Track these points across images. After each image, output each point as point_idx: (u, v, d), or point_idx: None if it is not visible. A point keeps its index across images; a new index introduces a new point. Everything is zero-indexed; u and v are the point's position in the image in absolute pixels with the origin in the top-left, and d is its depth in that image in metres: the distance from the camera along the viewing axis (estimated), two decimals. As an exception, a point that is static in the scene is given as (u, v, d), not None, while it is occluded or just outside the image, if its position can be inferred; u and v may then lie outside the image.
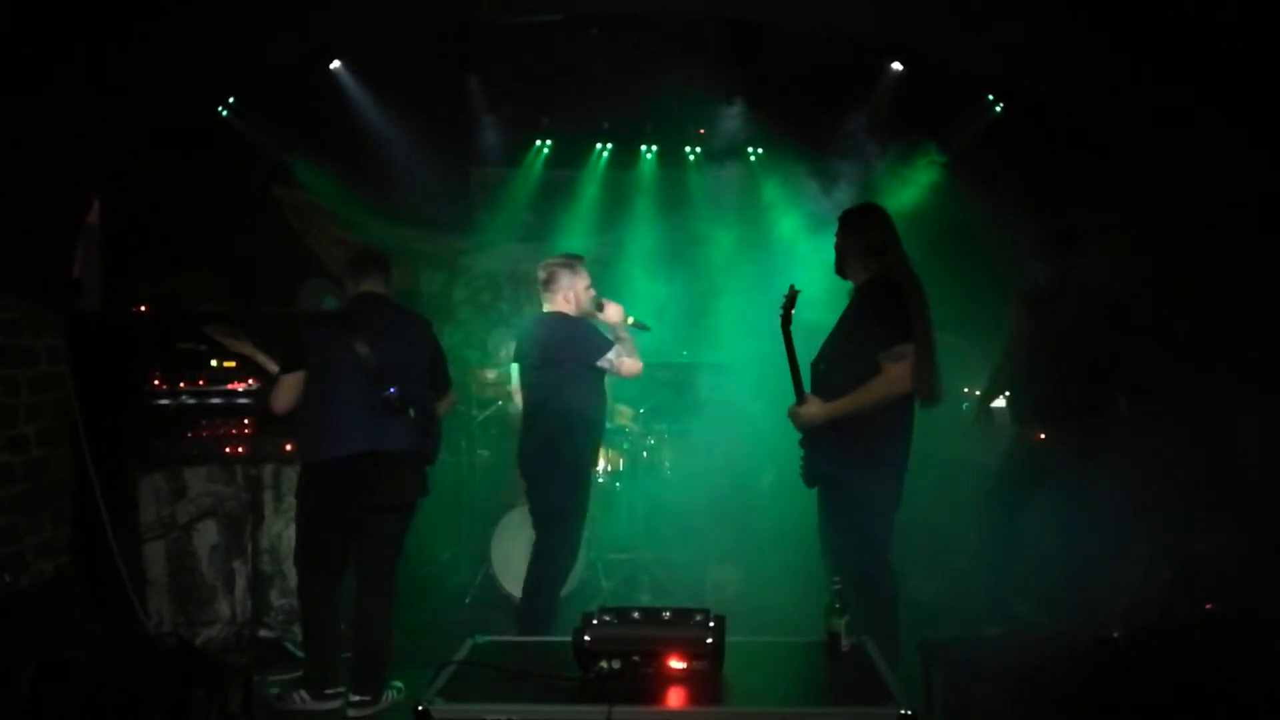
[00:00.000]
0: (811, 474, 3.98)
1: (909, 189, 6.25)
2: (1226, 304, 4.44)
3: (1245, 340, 4.33)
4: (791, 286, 4.05)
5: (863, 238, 3.88)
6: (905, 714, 2.44)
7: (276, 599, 4.85)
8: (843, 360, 3.84)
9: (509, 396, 6.31)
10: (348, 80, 5.56)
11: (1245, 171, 4.24)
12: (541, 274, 4.35)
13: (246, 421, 4.88)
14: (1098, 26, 4.15)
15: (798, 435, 4.16)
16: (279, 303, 6.05)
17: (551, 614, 4.26)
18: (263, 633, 4.78)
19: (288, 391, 4.05)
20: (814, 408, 3.80)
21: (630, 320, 4.37)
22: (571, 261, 4.36)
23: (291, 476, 4.96)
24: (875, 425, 3.73)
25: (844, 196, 6.22)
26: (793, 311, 3.97)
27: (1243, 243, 4.39)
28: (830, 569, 3.92)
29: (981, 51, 4.96)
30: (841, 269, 3.98)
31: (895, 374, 3.66)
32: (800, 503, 4.38)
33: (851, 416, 3.72)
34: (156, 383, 4.90)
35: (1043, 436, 4.61)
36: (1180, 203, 4.65)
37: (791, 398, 4.04)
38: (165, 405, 4.89)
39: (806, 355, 4.11)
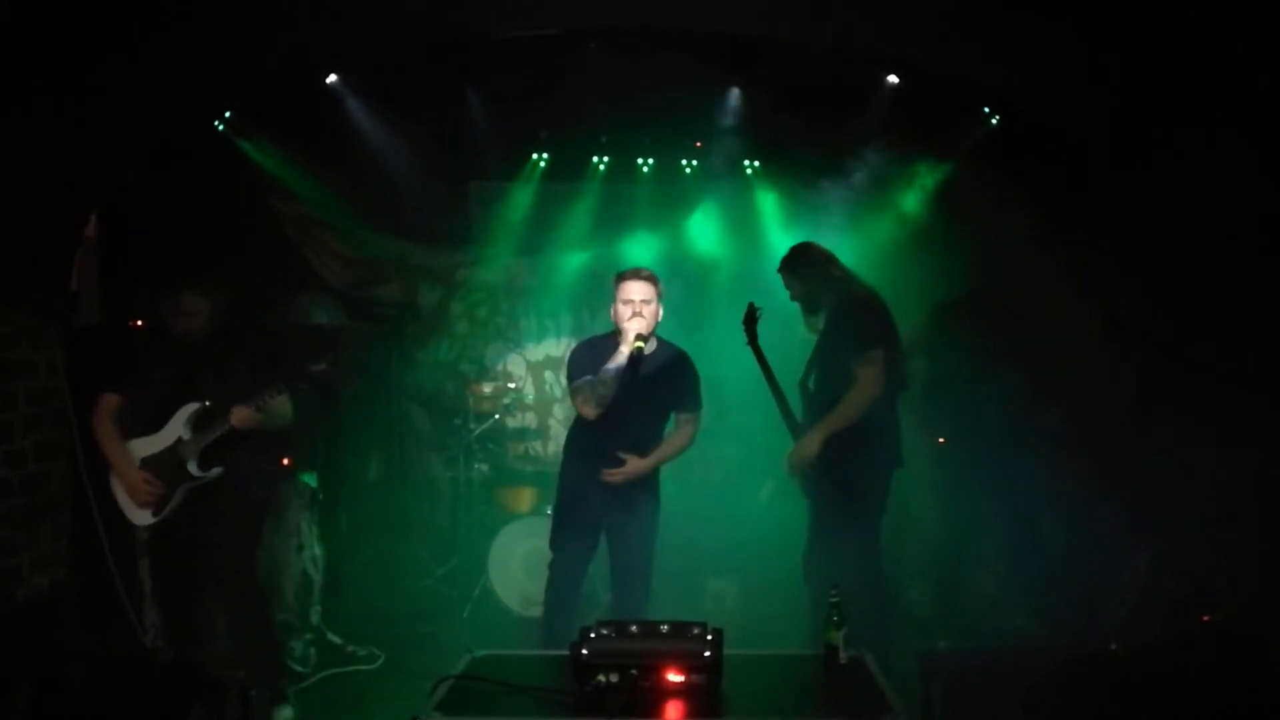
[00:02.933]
0: (813, 485, 4.07)
1: (904, 201, 6.26)
2: (1225, 315, 4.44)
3: (1242, 351, 4.34)
4: (751, 304, 4.17)
5: (817, 272, 4.18)
6: (903, 726, 2.45)
7: (274, 614, 4.83)
8: (826, 378, 4.08)
9: (505, 410, 6.34)
10: (345, 94, 5.57)
11: (1247, 185, 4.25)
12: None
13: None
14: (1095, 38, 4.17)
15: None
16: (275, 315, 6.06)
17: None
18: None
19: None
20: (809, 443, 3.98)
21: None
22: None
23: (289, 491, 4.96)
24: (866, 428, 3.93)
25: (840, 208, 6.25)
26: (756, 327, 4.12)
27: (1238, 254, 4.40)
28: (813, 592, 4.02)
29: (978, 64, 4.98)
30: (811, 307, 4.24)
31: (868, 377, 3.92)
32: (798, 515, 4.40)
33: (841, 429, 3.91)
34: (154, 396, 4.89)
35: (941, 441, 4.78)
36: (1177, 215, 4.66)
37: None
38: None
39: (795, 371, 4.19)
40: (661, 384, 4.07)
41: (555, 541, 4.26)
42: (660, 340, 4.16)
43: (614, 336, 4.07)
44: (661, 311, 4.09)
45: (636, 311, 3.97)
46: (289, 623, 4.82)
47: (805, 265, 4.22)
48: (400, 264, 6.86)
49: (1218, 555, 4.19)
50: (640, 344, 3.92)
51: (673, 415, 4.21)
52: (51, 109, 4.04)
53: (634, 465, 4.07)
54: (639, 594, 4.21)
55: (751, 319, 4.26)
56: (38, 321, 4.54)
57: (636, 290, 3.99)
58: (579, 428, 4.20)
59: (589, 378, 3.99)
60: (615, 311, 4.05)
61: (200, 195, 5.39)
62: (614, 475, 4.05)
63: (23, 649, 3.63)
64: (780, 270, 4.29)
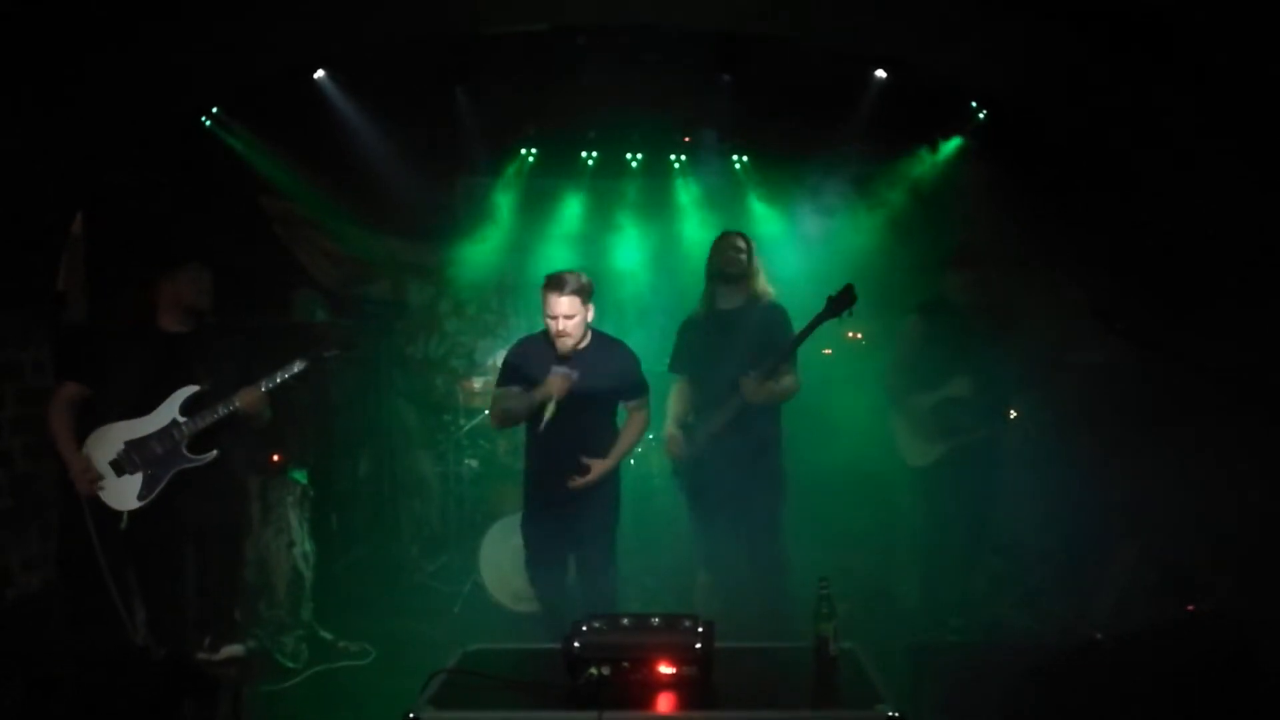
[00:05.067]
0: (705, 484, 4.37)
1: (891, 196, 6.29)
2: (1213, 312, 4.47)
3: (1230, 348, 4.37)
4: (849, 286, 4.14)
5: (754, 266, 4.41)
6: (894, 716, 2.47)
7: (265, 610, 4.83)
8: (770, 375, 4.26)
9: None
10: (332, 91, 5.56)
11: (1235, 188, 4.28)
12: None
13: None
14: (1084, 37, 4.18)
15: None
16: (265, 313, 6.03)
17: None
18: (251, 644, 4.76)
19: None
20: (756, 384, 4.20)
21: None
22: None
23: (279, 488, 4.96)
24: (775, 433, 4.36)
25: (828, 202, 6.27)
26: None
27: (1232, 255, 4.43)
28: (712, 574, 4.36)
29: (966, 62, 5.00)
30: (732, 278, 4.37)
31: (794, 382, 4.31)
32: (792, 510, 4.42)
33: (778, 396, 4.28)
34: (142, 395, 4.87)
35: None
36: (1165, 216, 4.69)
37: None
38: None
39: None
40: (602, 378, 4.14)
41: (525, 539, 4.34)
42: (595, 333, 4.21)
43: (547, 339, 4.15)
44: (592, 313, 4.13)
45: (560, 330, 4.02)
46: (280, 619, 4.82)
47: (753, 253, 4.41)
48: (389, 261, 6.85)
49: (1203, 546, 4.22)
50: (553, 409, 4.03)
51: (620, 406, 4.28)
52: (37, 107, 4.02)
53: (598, 468, 4.10)
54: (605, 586, 4.24)
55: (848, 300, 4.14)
56: (25, 320, 4.53)
57: (560, 306, 4.02)
58: (531, 428, 4.23)
59: (514, 389, 4.12)
60: (545, 318, 4.11)
61: (187, 193, 5.37)
62: (578, 483, 4.08)
63: (13, 650, 3.62)
64: (733, 233, 4.46)
